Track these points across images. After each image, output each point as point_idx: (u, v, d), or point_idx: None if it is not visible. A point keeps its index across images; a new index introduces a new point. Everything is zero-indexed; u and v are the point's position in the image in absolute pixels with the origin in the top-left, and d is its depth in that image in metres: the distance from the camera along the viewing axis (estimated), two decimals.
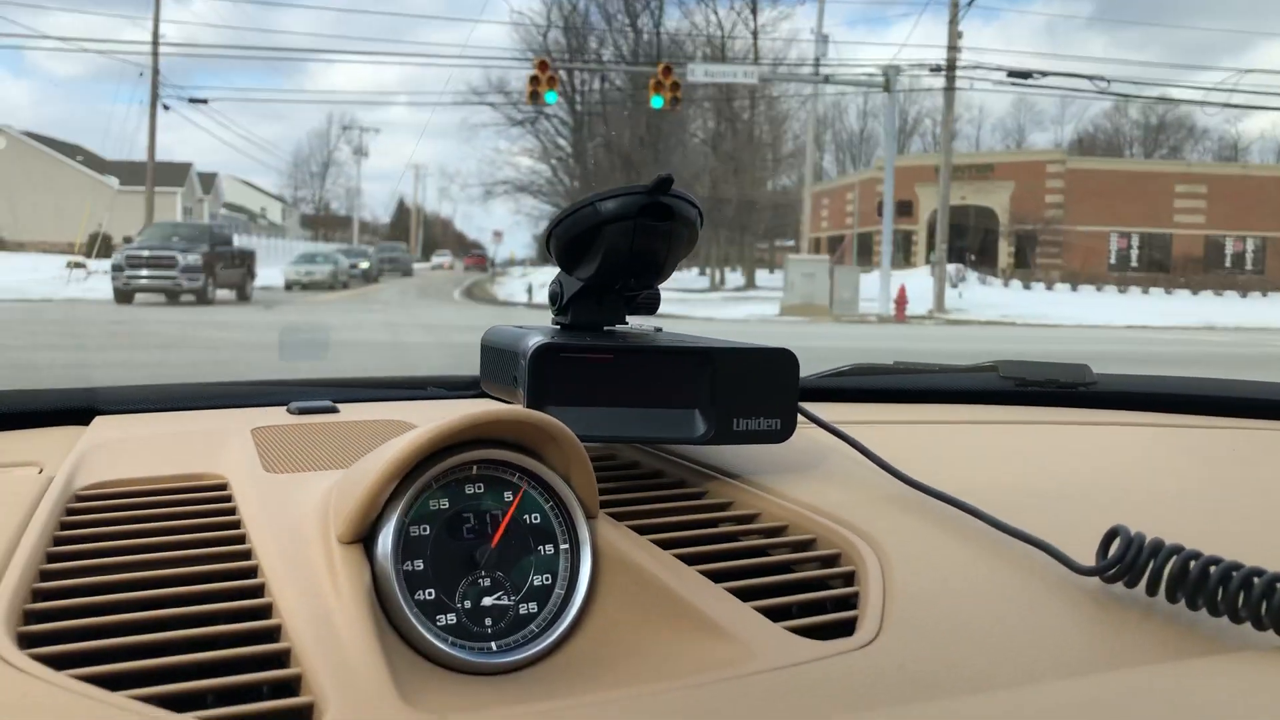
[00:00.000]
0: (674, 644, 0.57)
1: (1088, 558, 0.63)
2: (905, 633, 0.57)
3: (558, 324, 0.90)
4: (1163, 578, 0.60)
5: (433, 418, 0.59)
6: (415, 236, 72.03)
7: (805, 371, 0.91)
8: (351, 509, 0.59)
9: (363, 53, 78.40)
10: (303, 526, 0.65)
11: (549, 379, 0.77)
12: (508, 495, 0.61)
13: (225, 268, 21.90)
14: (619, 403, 0.79)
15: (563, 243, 0.82)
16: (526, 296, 25.56)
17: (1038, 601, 0.62)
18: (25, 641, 0.53)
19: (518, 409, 0.60)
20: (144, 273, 20.10)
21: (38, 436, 1.02)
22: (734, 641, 0.56)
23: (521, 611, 0.59)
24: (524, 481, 0.62)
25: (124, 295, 20.05)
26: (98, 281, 22.39)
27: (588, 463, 0.62)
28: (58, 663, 0.51)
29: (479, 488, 0.61)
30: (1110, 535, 0.62)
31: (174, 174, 43.61)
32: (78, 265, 27.53)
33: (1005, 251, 37.83)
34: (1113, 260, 35.76)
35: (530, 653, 0.57)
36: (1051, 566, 0.65)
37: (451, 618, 0.57)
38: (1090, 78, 23.60)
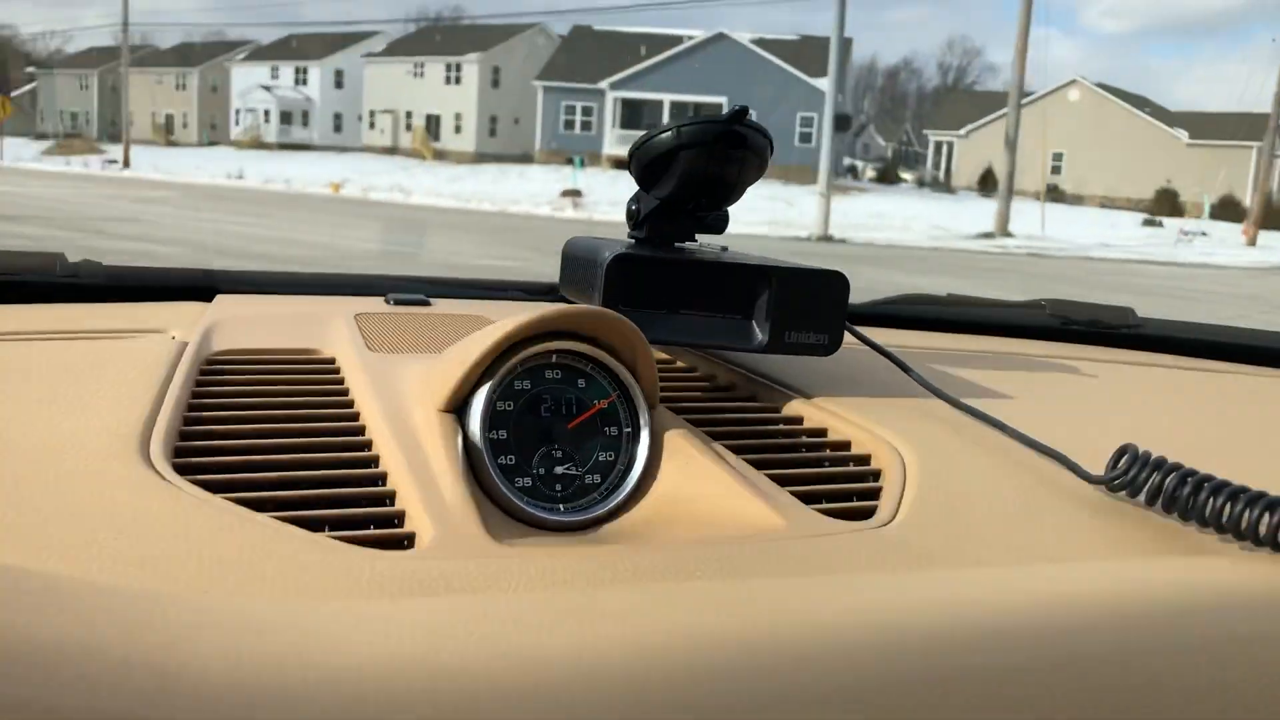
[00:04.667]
0: (716, 516, 0.66)
1: (1101, 472, 0.70)
2: (917, 520, 0.65)
3: (633, 238, 0.97)
4: (1161, 491, 0.66)
5: (516, 315, 0.69)
6: None
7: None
8: (451, 381, 0.68)
9: None
10: (404, 397, 0.75)
11: (621, 286, 0.86)
12: (581, 383, 0.70)
13: None
14: (683, 310, 0.88)
15: (643, 163, 0.89)
16: None
17: (1045, 503, 0.69)
18: (180, 470, 0.63)
19: (597, 308, 0.69)
20: None
21: (165, 308, 1.15)
22: (769, 516, 0.64)
23: (586, 481, 0.68)
24: (596, 372, 0.71)
25: None
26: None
27: (652, 359, 0.71)
28: (210, 487, 0.61)
29: (557, 374, 0.70)
30: (1120, 451, 0.69)
31: (1252, 127, 40.00)
32: (1152, 223, 26.39)
33: None
34: None
35: (592, 515, 0.66)
36: (1065, 477, 0.72)
37: (527, 481, 0.67)
38: None
